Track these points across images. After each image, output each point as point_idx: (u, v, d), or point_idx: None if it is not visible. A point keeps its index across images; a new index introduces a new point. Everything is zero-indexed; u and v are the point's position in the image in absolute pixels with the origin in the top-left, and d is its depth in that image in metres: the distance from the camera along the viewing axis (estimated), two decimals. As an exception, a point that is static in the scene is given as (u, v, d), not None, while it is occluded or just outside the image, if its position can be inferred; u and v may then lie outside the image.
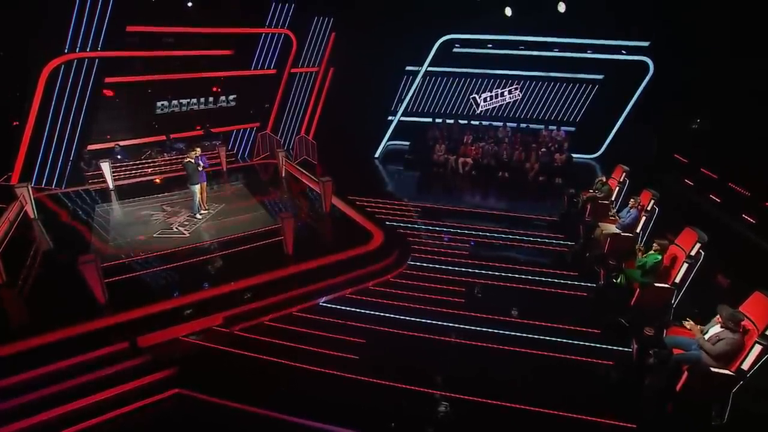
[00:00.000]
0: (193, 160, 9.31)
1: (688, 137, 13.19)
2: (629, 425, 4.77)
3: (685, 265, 6.11)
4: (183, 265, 7.77)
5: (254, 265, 7.56)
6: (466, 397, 5.22)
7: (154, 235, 8.87)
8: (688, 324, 5.12)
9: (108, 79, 12.34)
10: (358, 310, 6.95)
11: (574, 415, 4.92)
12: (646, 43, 13.72)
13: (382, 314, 6.79)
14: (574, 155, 14.27)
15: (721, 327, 4.80)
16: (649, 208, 7.91)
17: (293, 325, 6.65)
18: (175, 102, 14.55)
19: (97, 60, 11.73)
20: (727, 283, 7.48)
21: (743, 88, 11.20)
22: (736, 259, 7.88)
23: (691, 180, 11.57)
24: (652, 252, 6.49)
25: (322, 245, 8.56)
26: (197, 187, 9.56)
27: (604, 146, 15.41)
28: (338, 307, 7.05)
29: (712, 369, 4.65)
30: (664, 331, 5.32)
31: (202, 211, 9.86)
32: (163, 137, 14.24)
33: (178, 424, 5.19)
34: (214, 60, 14.65)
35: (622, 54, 14.11)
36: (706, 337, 4.84)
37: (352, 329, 6.47)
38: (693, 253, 6.11)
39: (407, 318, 6.69)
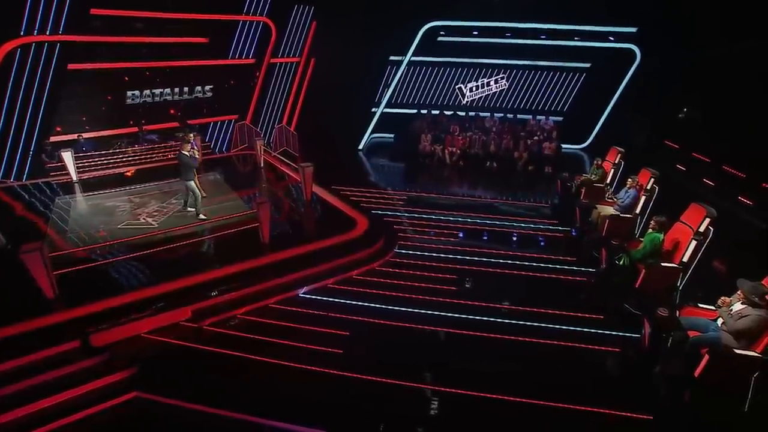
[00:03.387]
0: (187, 153, 8.16)
1: (678, 123, 12.95)
2: (645, 417, 4.28)
3: (693, 243, 5.68)
4: (148, 256, 7.07)
5: (227, 255, 6.93)
6: (461, 392, 4.66)
7: (119, 227, 8.14)
8: (724, 301, 4.66)
9: (72, 66, 11.51)
10: (341, 300, 6.35)
11: (584, 408, 4.40)
12: (633, 29, 13.49)
13: (367, 305, 6.20)
14: (562, 145, 13.94)
15: (743, 303, 4.37)
16: (648, 188, 7.51)
17: (270, 319, 6.03)
18: (147, 92, 13.76)
19: (58, 44, 10.92)
20: (724, 269, 7.09)
21: (732, 73, 10.99)
22: (738, 242, 7.50)
23: (683, 165, 11.26)
24: (650, 231, 6.06)
25: (302, 233, 7.95)
26: (194, 183, 8.30)
27: (592, 136, 15.13)
28: (319, 298, 6.45)
29: (736, 351, 4.19)
30: (677, 312, 4.86)
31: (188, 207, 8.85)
32: (135, 129, 13.44)
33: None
34: (188, 48, 13.89)
35: (610, 41, 13.84)
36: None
37: (335, 321, 5.87)
38: (702, 229, 5.68)
39: (395, 308, 6.12)
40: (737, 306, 4.43)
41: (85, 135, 12.36)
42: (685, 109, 13.81)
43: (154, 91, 13.84)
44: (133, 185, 10.46)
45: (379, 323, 5.84)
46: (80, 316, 5.56)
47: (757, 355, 4.16)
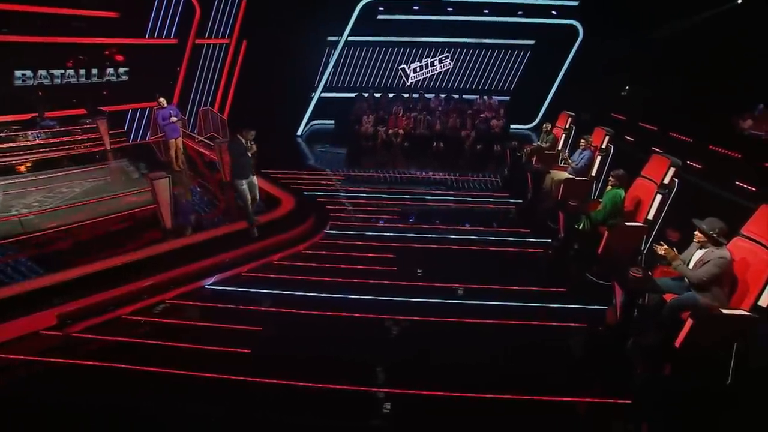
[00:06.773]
0: (245, 142, 5.99)
1: (623, 98, 12.81)
2: (623, 401, 3.46)
3: (659, 197, 5.01)
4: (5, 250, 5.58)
5: (117, 245, 5.59)
6: (408, 392, 3.66)
7: (-21, 220, 6.53)
8: (662, 249, 3.90)
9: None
10: (256, 290, 5.19)
11: (552, 398, 3.52)
12: (575, 2, 13.19)
13: (288, 293, 5.09)
14: (510, 125, 13.45)
15: (702, 247, 3.69)
16: (604, 147, 6.86)
17: (164, 318, 4.78)
18: (43, 73, 11.82)
19: None
20: (677, 236, 6.56)
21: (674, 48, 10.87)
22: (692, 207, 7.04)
23: (631, 135, 10.95)
24: (609, 188, 5.37)
25: (214, 217, 6.71)
26: (245, 184, 5.99)
27: (540, 115, 14.76)
28: (230, 288, 5.24)
29: (724, 311, 3.45)
30: (649, 273, 4.10)
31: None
32: (32, 114, 11.49)
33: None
34: (94, 23, 12.09)
35: (553, 15, 13.47)
36: (690, 266, 3.72)
37: (246, 316, 4.72)
38: (666, 181, 5.02)
39: (321, 295, 5.03)
40: (697, 254, 3.75)
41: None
42: (627, 87, 13.75)
43: (52, 71, 11.93)
44: (13, 176, 8.73)
45: (300, 314, 4.74)
46: None
47: (746, 313, 3.44)
